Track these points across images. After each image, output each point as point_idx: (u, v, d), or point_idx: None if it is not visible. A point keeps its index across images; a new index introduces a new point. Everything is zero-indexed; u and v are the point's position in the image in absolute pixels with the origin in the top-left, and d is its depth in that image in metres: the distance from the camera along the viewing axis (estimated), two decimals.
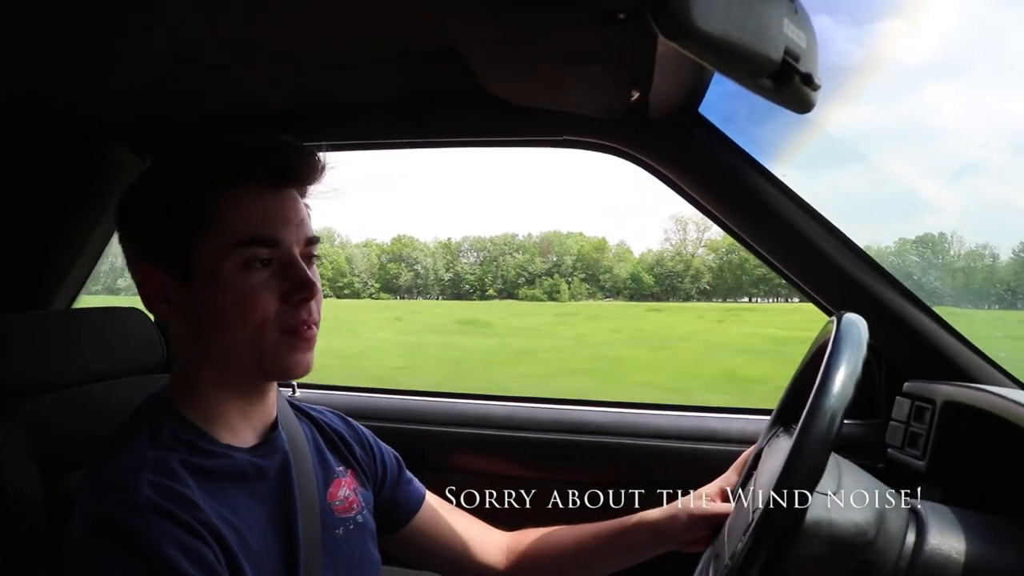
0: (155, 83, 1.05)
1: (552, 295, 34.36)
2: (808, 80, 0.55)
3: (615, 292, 35.97)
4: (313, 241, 0.75)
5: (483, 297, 34.13)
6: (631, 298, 34.47)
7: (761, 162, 1.06)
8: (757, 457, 0.90)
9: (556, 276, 35.50)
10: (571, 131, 1.11)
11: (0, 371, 0.83)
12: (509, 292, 34.92)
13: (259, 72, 1.01)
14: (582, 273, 35.88)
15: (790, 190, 1.06)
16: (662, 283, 35.16)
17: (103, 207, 1.30)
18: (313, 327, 0.74)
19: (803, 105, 0.60)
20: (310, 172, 0.75)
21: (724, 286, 33.97)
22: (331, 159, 0.77)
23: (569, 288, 35.06)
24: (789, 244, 1.08)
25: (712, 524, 0.87)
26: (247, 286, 0.70)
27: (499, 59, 0.86)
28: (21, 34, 0.85)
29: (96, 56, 0.93)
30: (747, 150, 1.06)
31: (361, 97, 1.11)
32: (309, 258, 0.75)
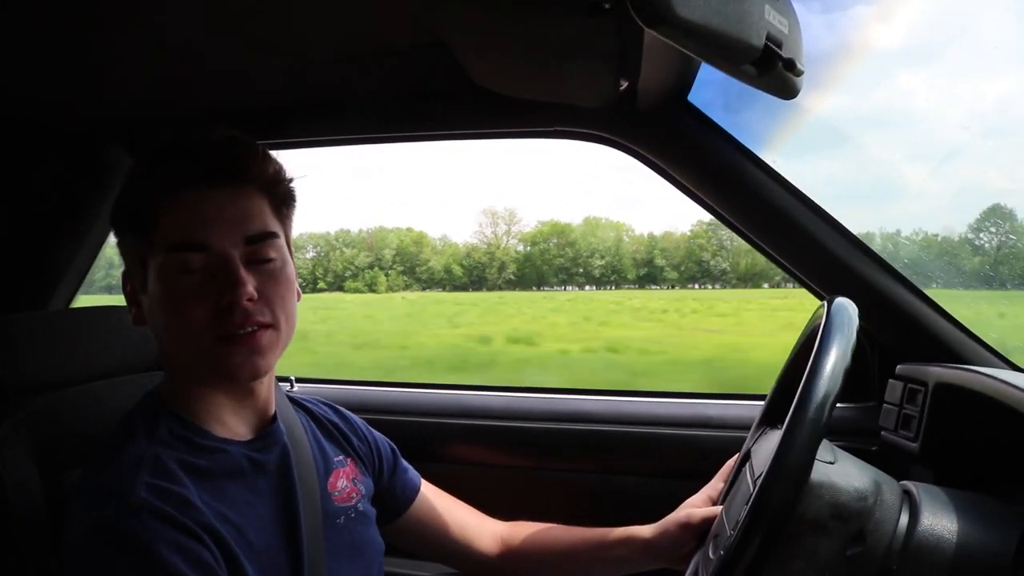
0: (151, 83, 1.05)
1: (372, 287, 35.68)
2: (791, 66, 0.55)
3: (432, 283, 37.24)
4: (259, 239, 0.71)
5: (314, 290, 35.04)
6: (455, 288, 35.97)
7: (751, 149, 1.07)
8: (743, 463, 0.89)
9: (376, 269, 36.76)
10: (562, 122, 1.11)
11: (0, 370, 0.84)
12: (339, 285, 36.04)
13: (252, 70, 1.01)
14: (401, 266, 37.27)
15: (780, 176, 1.06)
16: (471, 274, 36.54)
17: (100, 208, 1.31)
18: (256, 328, 0.69)
19: (787, 91, 0.60)
20: (246, 168, 0.72)
21: (531, 275, 35.40)
22: (280, 158, 0.75)
23: (387, 280, 36.32)
24: (780, 230, 1.08)
25: (702, 534, 0.87)
26: (178, 294, 0.69)
27: (487, 51, 0.86)
28: (21, 34, 0.85)
29: (94, 56, 0.94)
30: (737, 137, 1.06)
31: (354, 92, 1.12)
32: (256, 257, 0.71)
